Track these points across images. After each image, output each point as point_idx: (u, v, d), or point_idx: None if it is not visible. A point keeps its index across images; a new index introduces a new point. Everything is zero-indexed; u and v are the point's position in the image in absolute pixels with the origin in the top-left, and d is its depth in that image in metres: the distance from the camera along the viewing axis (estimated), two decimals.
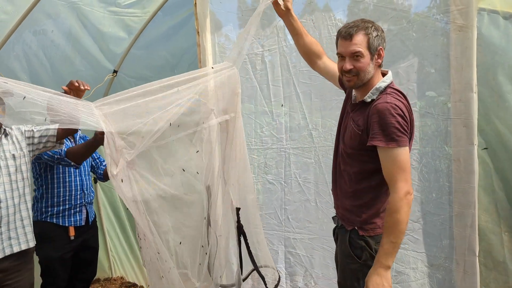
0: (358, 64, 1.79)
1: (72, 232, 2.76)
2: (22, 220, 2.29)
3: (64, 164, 2.65)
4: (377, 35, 1.78)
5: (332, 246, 2.43)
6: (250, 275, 2.36)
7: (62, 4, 2.88)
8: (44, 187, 2.74)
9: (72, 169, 2.77)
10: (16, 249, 2.25)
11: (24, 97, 1.78)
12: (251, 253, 2.23)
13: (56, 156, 2.63)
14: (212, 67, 2.16)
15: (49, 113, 1.85)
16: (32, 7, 2.72)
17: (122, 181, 1.99)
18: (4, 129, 2.29)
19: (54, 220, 2.74)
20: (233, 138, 2.24)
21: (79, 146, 2.67)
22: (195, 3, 3.03)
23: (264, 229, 3.02)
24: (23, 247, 2.29)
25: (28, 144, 2.38)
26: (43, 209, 2.75)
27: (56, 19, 2.96)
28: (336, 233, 2.04)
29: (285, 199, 2.95)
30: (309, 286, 2.84)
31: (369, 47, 1.77)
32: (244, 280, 2.32)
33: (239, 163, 2.24)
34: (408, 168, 1.71)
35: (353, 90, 1.95)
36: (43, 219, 2.74)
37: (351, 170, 1.87)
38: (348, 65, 1.80)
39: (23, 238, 2.29)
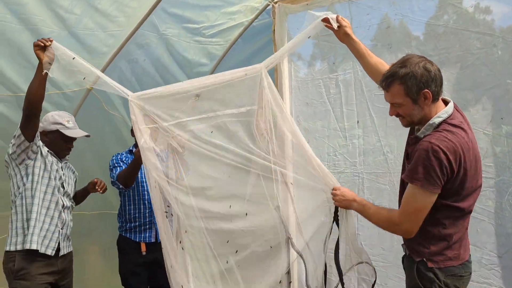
0: (400, 110, 1.79)
1: (143, 248, 2.90)
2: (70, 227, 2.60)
3: (117, 187, 2.86)
4: (417, 81, 1.69)
5: None
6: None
7: (154, 35, 3.18)
8: (121, 202, 2.99)
9: (141, 188, 2.91)
10: (70, 249, 2.59)
11: (74, 57, 2.18)
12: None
13: (111, 176, 2.86)
14: (246, 74, 2.26)
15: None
16: (128, 38, 3.04)
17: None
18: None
19: (128, 235, 2.94)
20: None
21: (125, 169, 2.79)
22: (274, 30, 3.18)
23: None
24: (71, 248, 2.61)
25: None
26: (120, 223, 3.00)
27: (147, 49, 3.28)
28: (404, 261, 1.98)
29: (358, 225, 2.90)
30: None
31: (408, 94, 1.72)
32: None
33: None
34: (420, 213, 1.73)
35: None
36: (121, 233, 2.98)
37: None
38: (390, 112, 1.83)
39: (70, 242, 2.61)
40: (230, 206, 2.33)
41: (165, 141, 2.29)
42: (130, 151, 3.01)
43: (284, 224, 2.26)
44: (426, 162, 1.66)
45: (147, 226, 2.93)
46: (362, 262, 2.14)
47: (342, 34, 2.08)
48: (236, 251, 2.34)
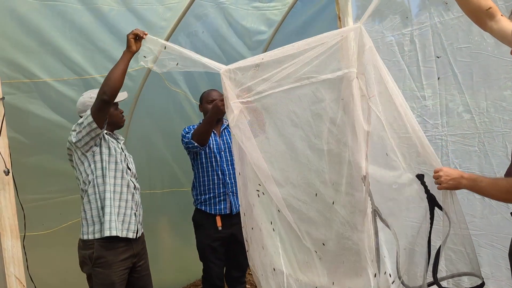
0: None
1: (219, 223, 2.86)
2: (142, 209, 2.56)
3: (192, 147, 2.78)
4: None
5: (503, 244, 2.14)
6: None
7: (210, 5, 3.07)
8: (195, 175, 2.95)
9: (213, 158, 2.87)
10: (142, 230, 2.55)
11: (165, 46, 2.19)
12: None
13: (185, 140, 2.80)
14: (342, 36, 2.05)
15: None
16: (185, 11, 2.94)
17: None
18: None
19: (203, 208, 2.90)
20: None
21: (199, 125, 2.78)
22: None
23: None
24: (143, 229, 2.57)
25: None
26: (195, 196, 2.96)
27: (205, 20, 3.17)
28: None
29: None
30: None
31: None
32: None
33: None
34: None
35: None
36: (196, 206, 2.96)
37: None
38: None
39: (142, 225, 2.56)
40: (316, 194, 2.17)
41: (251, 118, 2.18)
42: None
43: (370, 196, 2.10)
44: None
45: (221, 198, 2.89)
46: (467, 273, 1.94)
47: None
48: (323, 244, 2.20)
